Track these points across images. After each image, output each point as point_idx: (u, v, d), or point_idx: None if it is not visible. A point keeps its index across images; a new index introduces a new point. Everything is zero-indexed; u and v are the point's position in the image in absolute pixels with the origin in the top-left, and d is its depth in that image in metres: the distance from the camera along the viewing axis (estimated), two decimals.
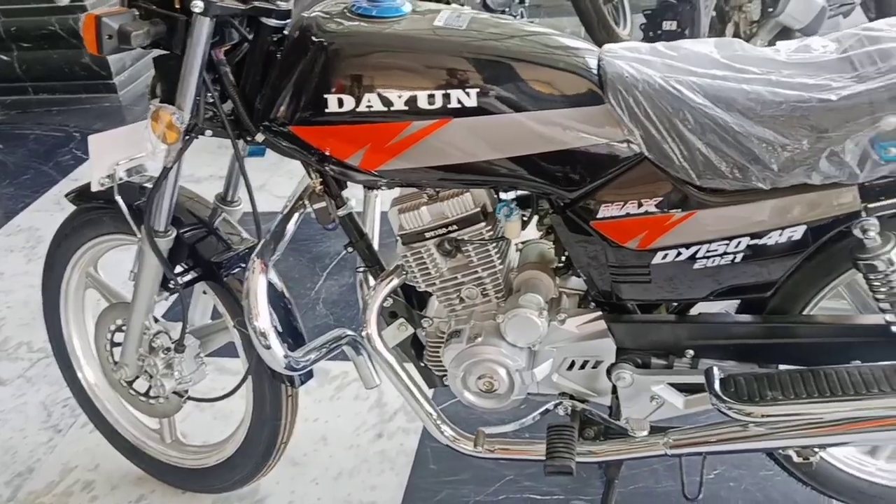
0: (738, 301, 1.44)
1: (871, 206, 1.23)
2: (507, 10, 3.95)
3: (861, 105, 1.16)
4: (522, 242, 1.57)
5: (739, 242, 1.28)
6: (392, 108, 1.26)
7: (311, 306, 2.56)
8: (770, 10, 3.11)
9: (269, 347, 1.41)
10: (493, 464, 1.90)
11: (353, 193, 1.50)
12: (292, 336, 1.57)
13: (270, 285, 1.57)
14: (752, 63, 1.27)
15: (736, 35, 3.26)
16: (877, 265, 1.26)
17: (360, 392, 2.17)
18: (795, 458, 1.44)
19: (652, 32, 3.15)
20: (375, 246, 1.69)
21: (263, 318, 1.40)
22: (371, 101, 1.26)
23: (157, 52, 1.38)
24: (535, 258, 1.51)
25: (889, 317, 1.32)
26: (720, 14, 3.26)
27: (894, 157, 1.17)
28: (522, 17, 4.07)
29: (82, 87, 4.34)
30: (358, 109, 1.27)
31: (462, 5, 3.78)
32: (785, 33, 3.19)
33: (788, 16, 3.08)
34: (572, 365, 1.48)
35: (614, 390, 1.47)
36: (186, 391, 1.70)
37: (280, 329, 1.54)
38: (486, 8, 3.86)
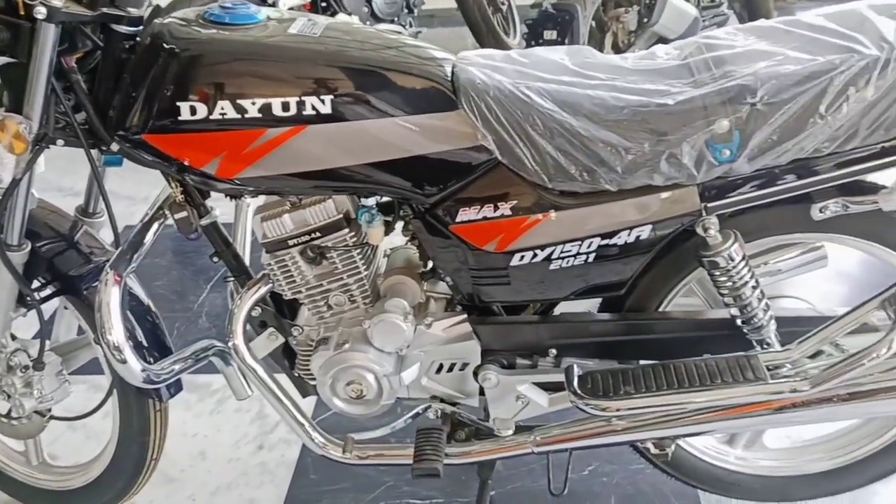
0: (599, 300, 1.49)
1: (710, 205, 1.29)
2: (395, 19, 3.98)
3: (696, 109, 1.22)
4: (391, 249, 1.58)
5: (591, 243, 1.33)
6: (246, 116, 1.26)
7: (193, 319, 2.52)
8: (646, 20, 3.23)
9: (123, 361, 1.38)
10: (374, 471, 1.90)
11: (220, 202, 1.48)
12: (158, 349, 1.54)
13: (133, 297, 1.54)
14: (599, 70, 1.32)
15: (615, 44, 3.38)
16: (718, 262, 1.32)
17: (242, 405, 2.14)
18: (653, 450, 1.49)
19: (533, 42, 3.23)
20: (248, 253, 1.68)
21: (117, 330, 1.36)
22: (224, 109, 1.25)
23: (2, 59, 1.34)
24: (401, 263, 1.53)
25: (734, 311, 1.38)
26: (599, 24, 3.36)
27: (727, 159, 1.23)
28: (411, 26, 4.11)
29: None
30: (211, 117, 1.26)
31: (350, 15, 3.80)
32: (661, 43, 3.31)
33: (663, 26, 3.21)
34: (440, 368, 1.50)
35: (482, 391, 1.50)
36: (49, 410, 1.64)
37: (144, 342, 1.50)
38: (375, 17, 3.88)
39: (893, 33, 1.20)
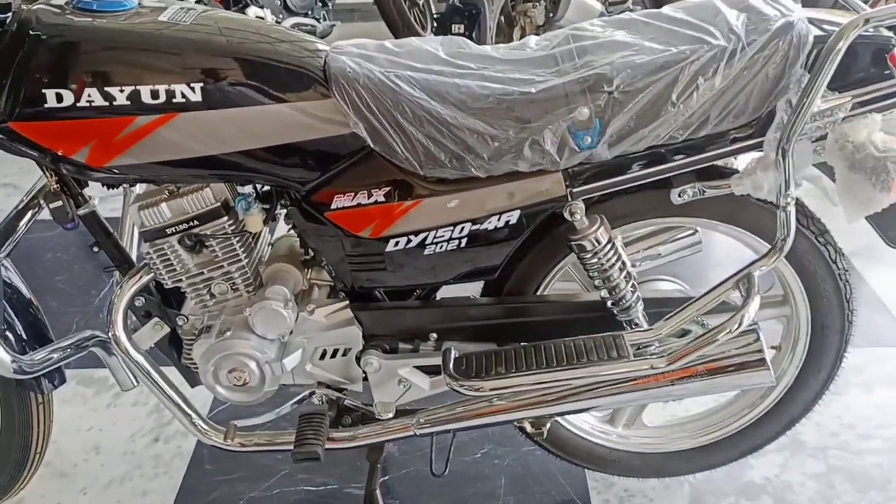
0: (481, 284, 1.53)
1: (575, 190, 1.34)
2: (309, 13, 3.97)
3: (558, 97, 1.26)
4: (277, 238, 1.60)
5: (463, 228, 1.36)
6: (115, 104, 1.25)
7: (94, 314, 2.48)
8: (552, 15, 3.29)
9: None
10: (270, 459, 1.91)
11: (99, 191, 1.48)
12: (37, 339, 1.52)
13: (10, 286, 1.52)
14: (471, 60, 1.35)
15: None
16: (585, 245, 1.37)
17: (140, 398, 2.13)
18: (529, 429, 1.54)
19: (442, 36, 3.25)
20: (135, 243, 1.67)
21: None
22: (92, 97, 1.25)
23: None
24: (284, 251, 1.54)
25: (603, 292, 1.44)
26: (507, 18, 3.41)
27: (588, 146, 1.28)
28: (325, 19, 4.10)
29: None
30: (79, 104, 1.25)
31: (262, 8, 3.77)
32: None
33: (568, 21, 3.27)
34: (324, 354, 1.52)
35: (366, 376, 1.52)
36: None
37: (21, 332, 1.49)
38: (288, 10, 3.86)
39: (741, 25, 1.26)
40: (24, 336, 1.50)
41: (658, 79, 1.24)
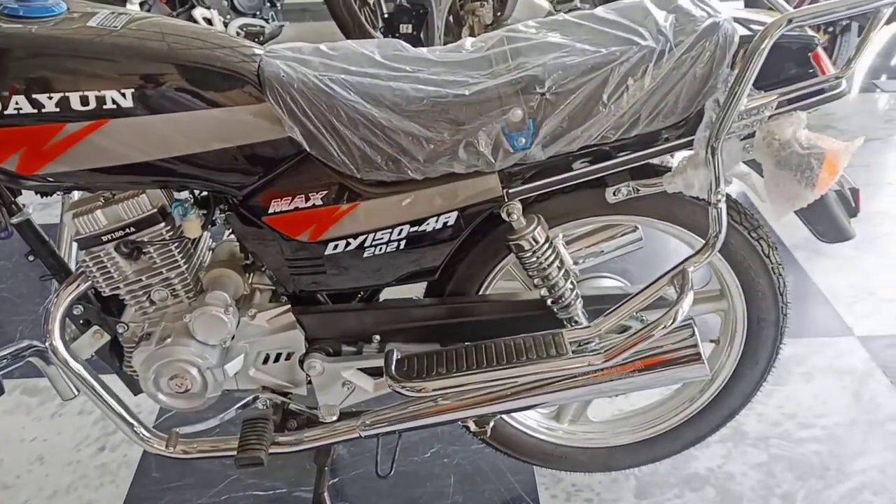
0: (425, 286, 1.54)
1: (511, 191, 1.35)
2: (257, 13, 3.94)
3: (491, 99, 1.27)
4: (218, 243, 1.59)
5: (402, 230, 1.37)
6: (43, 111, 1.24)
7: (37, 323, 2.44)
8: (499, 14, 3.31)
9: None
10: (218, 465, 1.90)
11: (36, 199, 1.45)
12: None
13: None
14: (406, 62, 1.36)
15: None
16: (523, 244, 1.38)
17: (86, 407, 2.10)
18: (473, 428, 1.55)
19: (391, 36, 3.26)
20: (72, 252, 1.65)
21: None
22: (20, 104, 1.23)
23: None
24: (225, 256, 1.53)
25: (543, 291, 1.45)
26: (456, 18, 3.42)
27: (523, 147, 1.29)
28: (273, 20, 4.07)
29: None
30: (6, 112, 1.23)
31: (209, 8, 3.73)
32: None
33: (516, 20, 3.29)
34: (267, 358, 1.52)
35: (309, 380, 1.52)
36: None
37: None
38: (235, 11, 3.83)
39: (670, 26, 1.28)
40: None
41: (589, 80, 1.26)
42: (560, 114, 1.27)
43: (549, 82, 1.26)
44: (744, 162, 1.37)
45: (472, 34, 3.44)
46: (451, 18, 3.42)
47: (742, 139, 1.33)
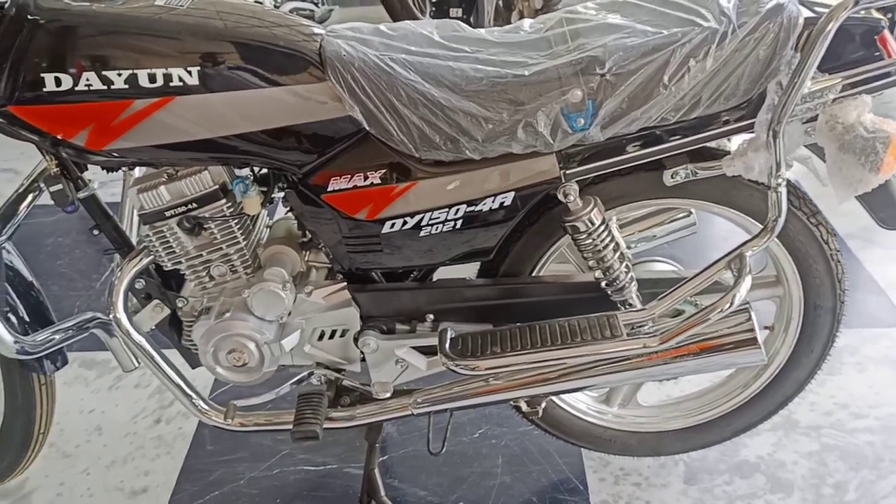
0: (478, 266, 1.55)
1: (568, 172, 1.35)
2: None
3: (551, 80, 1.27)
4: (276, 220, 1.61)
5: (458, 210, 1.38)
6: (112, 88, 1.27)
7: (95, 297, 2.50)
8: None
9: None
10: (270, 440, 1.94)
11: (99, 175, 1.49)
12: (39, 321, 1.55)
13: (12, 269, 1.54)
14: (465, 43, 1.36)
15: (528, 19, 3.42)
16: (579, 226, 1.39)
17: (142, 380, 2.15)
18: (525, 409, 1.56)
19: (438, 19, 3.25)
20: (135, 226, 1.69)
21: None
22: (90, 81, 1.26)
23: None
24: (282, 234, 1.56)
25: (597, 273, 1.45)
26: (506, 2, 3.40)
27: (581, 128, 1.29)
28: (323, 3, 4.09)
29: None
30: (77, 89, 1.27)
31: None
32: None
33: (566, 4, 3.26)
34: (322, 335, 1.54)
35: (363, 357, 1.54)
36: None
37: (23, 314, 1.51)
38: None
39: (733, 7, 1.27)
40: (27, 318, 1.52)
41: (650, 61, 1.25)
42: (620, 95, 1.26)
43: (609, 63, 1.25)
44: (805, 146, 1.36)
45: (521, 19, 3.42)
46: (500, 3, 3.40)
47: (804, 122, 1.31)
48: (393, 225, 1.39)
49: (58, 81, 1.26)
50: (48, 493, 1.84)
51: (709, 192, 1.42)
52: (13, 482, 1.84)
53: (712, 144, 1.38)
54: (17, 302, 1.52)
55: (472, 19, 3.21)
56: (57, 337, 1.47)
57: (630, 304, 1.47)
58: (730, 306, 1.31)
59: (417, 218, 1.39)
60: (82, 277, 2.61)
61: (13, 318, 1.48)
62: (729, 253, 1.37)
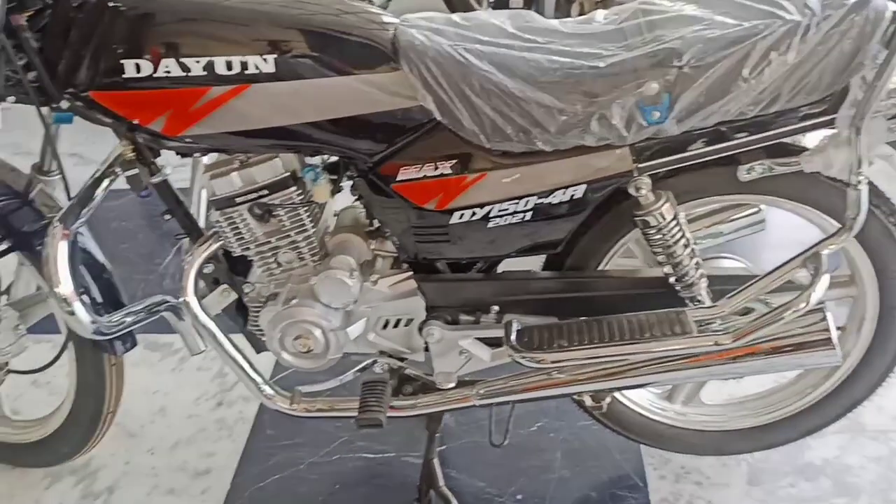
0: (543, 259, 1.54)
1: (641, 165, 1.33)
2: None
3: (626, 72, 1.26)
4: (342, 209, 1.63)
5: (528, 201, 1.37)
6: (190, 74, 1.29)
7: (158, 281, 2.55)
8: None
9: (72, 313, 1.42)
10: (329, 426, 1.95)
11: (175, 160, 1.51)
12: (111, 303, 1.58)
13: (86, 252, 1.57)
14: (538, 33, 1.35)
15: (581, 14, 3.39)
16: (650, 221, 1.37)
17: (203, 363, 2.18)
18: (589, 402, 1.55)
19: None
20: (203, 212, 1.71)
21: (65, 283, 1.40)
22: (169, 67, 1.28)
23: None
24: (349, 222, 1.57)
25: (667, 269, 1.44)
26: None
27: (657, 121, 1.27)
28: None
29: None
30: (156, 75, 1.29)
31: None
32: None
33: None
34: (386, 324, 1.55)
35: (427, 347, 1.54)
36: (7, 364, 1.68)
37: (97, 296, 1.54)
38: None
39: (816, 0, 1.24)
40: (99, 300, 1.55)
41: (730, 54, 1.22)
42: (697, 88, 1.24)
43: (687, 56, 1.23)
44: (888, 143, 1.32)
45: (581, 11, 3.38)
46: None
47: (888, 119, 1.28)
48: (461, 216, 1.39)
49: (137, 68, 1.29)
50: (114, 471, 1.89)
51: (784, 189, 1.39)
52: (80, 459, 1.89)
53: (788, 140, 1.35)
54: (91, 284, 1.55)
55: (532, 10, 3.19)
56: (129, 319, 1.50)
57: (699, 301, 1.45)
58: (805, 306, 1.29)
59: (486, 209, 1.38)
60: (144, 261, 2.66)
61: (87, 300, 1.52)
62: (805, 251, 1.34)
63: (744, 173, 1.36)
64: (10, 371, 1.70)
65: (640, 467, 1.81)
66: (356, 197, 1.52)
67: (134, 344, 1.66)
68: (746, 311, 1.45)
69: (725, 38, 1.23)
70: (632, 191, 1.36)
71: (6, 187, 1.58)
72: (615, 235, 1.48)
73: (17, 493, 1.84)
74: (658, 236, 1.39)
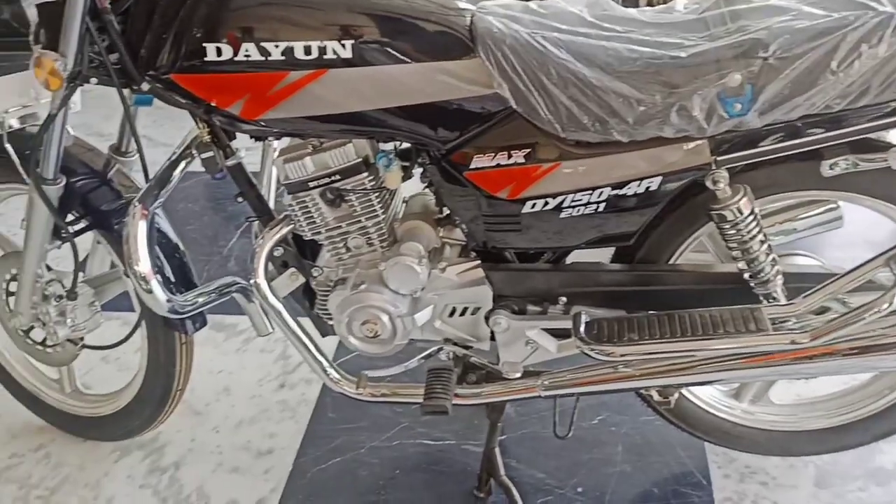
0: (612, 251, 1.53)
1: (720, 158, 1.31)
2: None
3: (708, 62, 1.23)
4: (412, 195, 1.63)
5: (602, 192, 1.36)
6: (270, 59, 1.30)
7: (222, 263, 2.59)
8: None
9: (149, 291, 1.45)
10: (390, 411, 1.97)
11: (246, 143, 1.53)
12: (183, 283, 1.61)
13: (161, 232, 1.60)
14: (616, 22, 1.33)
15: (650, 3, 3.34)
16: (727, 215, 1.34)
17: (266, 345, 2.22)
18: (656, 397, 1.53)
19: None
20: (272, 196, 1.73)
21: (143, 261, 1.43)
22: (249, 51, 1.30)
23: None
24: (418, 209, 1.57)
25: (741, 264, 1.41)
26: None
27: (738, 113, 1.24)
28: None
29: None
30: (236, 59, 1.30)
31: None
32: None
33: None
34: (453, 311, 1.54)
35: (493, 336, 1.54)
36: (82, 339, 1.73)
37: (170, 275, 1.57)
38: None
39: None
40: (173, 279, 1.58)
41: (817, 45, 1.19)
42: (782, 80, 1.21)
43: (773, 46, 1.20)
44: None
45: (649, 3, 3.34)
46: None
47: None
48: (534, 205, 1.38)
49: (218, 51, 1.30)
50: (180, 447, 1.93)
51: (867, 186, 1.35)
52: (148, 435, 1.93)
53: (873, 135, 1.31)
54: (165, 264, 1.58)
55: None
56: (201, 300, 1.53)
57: (773, 299, 1.42)
58: (889, 307, 1.25)
59: (559, 199, 1.37)
60: (210, 243, 2.71)
61: (160, 279, 1.54)
62: (888, 250, 1.30)
63: (827, 169, 1.32)
64: (84, 346, 1.74)
65: (703, 465, 1.79)
66: (426, 184, 1.52)
67: (204, 323, 1.69)
68: (822, 311, 1.42)
69: (814, 28, 1.20)
70: (709, 184, 1.33)
71: (86, 167, 1.62)
72: (688, 229, 1.46)
73: (87, 465, 1.90)
74: (734, 231, 1.36)
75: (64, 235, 1.59)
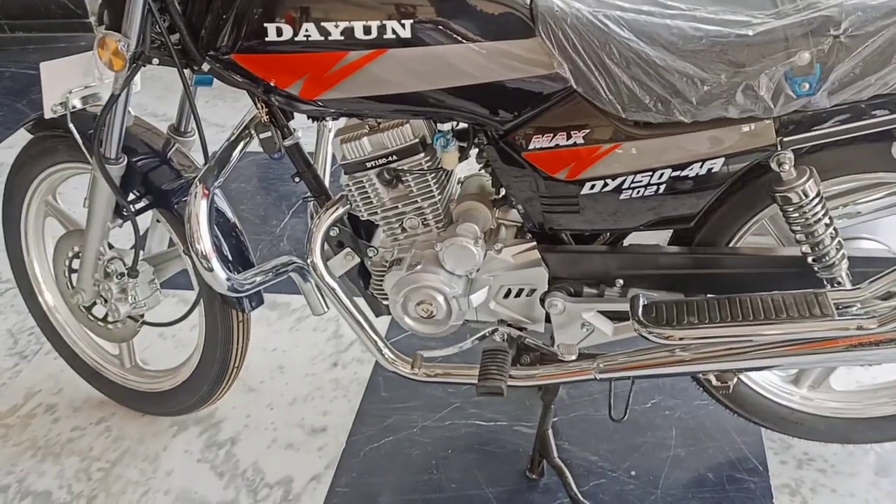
0: (669, 233, 1.51)
1: (785, 139, 1.28)
2: None
3: (776, 41, 1.20)
4: (466, 175, 1.62)
5: (663, 174, 1.34)
6: (329, 38, 1.30)
7: (275, 242, 2.62)
8: None
9: (210, 269, 1.47)
10: (441, 392, 1.97)
11: (302, 124, 1.54)
12: (241, 262, 1.63)
13: (219, 211, 1.62)
14: (680, 0, 1.31)
15: None
16: (791, 197, 1.31)
17: (319, 324, 2.24)
18: (714, 382, 1.51)
19: None
20: (327, 176, 1.74)
21: (205, 240, 1.45)
22: (309, 31, 1.30)
23: None
24: (474, 190, 1.56)
25: (805, 248, 1.38)
26: None
27: (806, 93, 1.21)
28: None
29: (59, 25, 4.32)
30: (296, 39, 1.31)
31: None
32: None
33: None
34: (508, 293, 1.54)
35: (548, 318, 1.53)
36: (142, 316, 1.76)
37: (228, 254, 1.59)
38: None
39: None
40: (231, 258, 1.60)
41: (892, 22, 1.16)
42: (853, 59, 1.18)
43: (845, 24, 1.17)
44: None
45: None
46: None
47: None
48: (593, 186, 1.37)
49: (279, 31, 1.30)
50: (236, 424, 1.96)
51: None
52: (205, 410, 1.97)
53: None
54: (223, 243, 1.60)
55: None
56: (258, 279, 1.55)
57: (838, 283, 1.39)
58: None
59: (619, 181, 1.35)
60: (263, 223, 2.74)
61: (220, 258, 1.56)
62: None
63: None
64: (144, 323, 1.77)
65: (760, 451, 1.76)
66: (482, 165, 1.51)
67: (261, 302, 1.71)
68: (888, 296, 1.38)
69: (888, 5, 1.16)
70: (773, 165, 1.30)
71: (146, 146, 1.64)
72: (750, 211, 1.43)
73: (146, 438, 1.94)
74: (798, 214, 1.33)
75: (125, 214, 1.61)
